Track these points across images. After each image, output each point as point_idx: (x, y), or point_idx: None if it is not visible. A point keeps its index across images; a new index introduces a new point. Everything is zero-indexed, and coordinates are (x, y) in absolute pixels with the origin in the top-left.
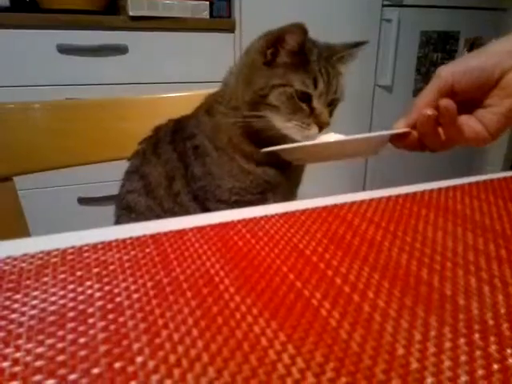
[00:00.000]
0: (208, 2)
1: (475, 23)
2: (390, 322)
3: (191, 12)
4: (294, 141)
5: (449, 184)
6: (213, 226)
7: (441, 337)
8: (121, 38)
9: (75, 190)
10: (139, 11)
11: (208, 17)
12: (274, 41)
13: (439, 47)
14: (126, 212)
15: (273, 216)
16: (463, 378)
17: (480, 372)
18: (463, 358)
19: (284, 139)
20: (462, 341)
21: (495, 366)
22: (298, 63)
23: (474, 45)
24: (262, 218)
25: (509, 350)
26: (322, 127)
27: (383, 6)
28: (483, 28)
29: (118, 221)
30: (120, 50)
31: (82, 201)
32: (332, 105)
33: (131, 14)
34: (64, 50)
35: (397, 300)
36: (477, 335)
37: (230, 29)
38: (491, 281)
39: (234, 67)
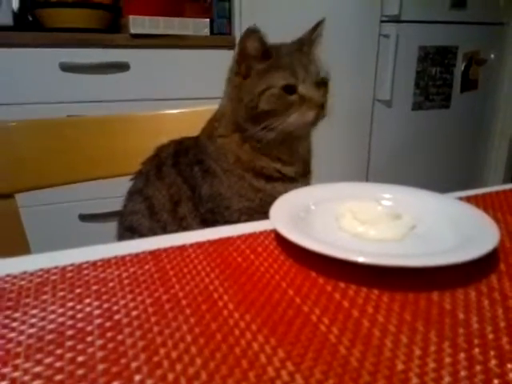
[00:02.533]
0: (208, 20)
1: (473, 38)
2: (389, 337)
3: (192, 29)
4: (304, 134)
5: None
6: (212, 242)
7: (441, 352)
8: (122, 55)
9: (76, 206)
10: (140, 29)
11: (208, 34)
12: (240, 55)
13: (437, 62)
14: (129, 233)
15: (272, 231)
16: None
17: None
18: (463, 373)
19: (297, 136)
20: (461, 356)
21: (496, 382)
22: (271, 65)
23: (472, 59)
24: (261, 233)
25: (509, 365)
26: (318, 107)
27: (381, 21)
28: (481, 42)
29: (120, 240)
30: (122, 67)
31: (84, 217)
32: (322, 85)
33: (132, 31)
34: (67, 67)
35: (396, 315)
36: (477, 350)
37: (231, 45)
38: (490, 294)
39: (225, 89)
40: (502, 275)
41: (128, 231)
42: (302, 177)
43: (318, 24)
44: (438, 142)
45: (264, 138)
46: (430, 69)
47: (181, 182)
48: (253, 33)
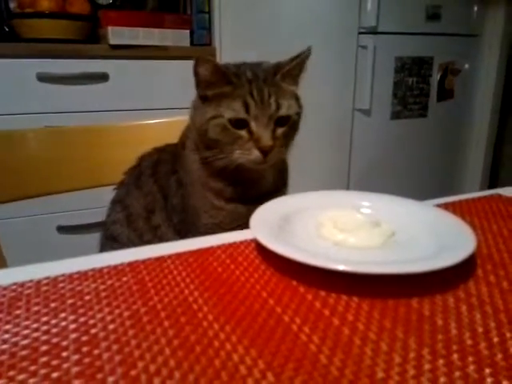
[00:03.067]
0: (188, 31)
1: (448, 49)
2: (369, 344)
3: (172, 40)
4: (250, 170)
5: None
6: (192, 253)
7: (420, 358)
8: (101, 66)
9: (54, 218)
10: (119, 40)
11: (189, 45)
12: (196, 80)
13: (414, 72)
14: (110, 242)
15: (253, 240)
16: None
17: None
18: (442, 379)
19: (246, 170)
20: (440, 362)
21: None
22: (226, 92)
23: (447, 69)
24: (241, 242)
25: (487, 370)
26: (265, 150)
27: (359, 33)
28: (456, 53)
29: (102, 250)
30: (101, 77)
31: (62, 229)
32: (281, 124)
33: (111, 42)
34: (44, 78)
35: (376, 322)
36: (455, 355)
37: (211, 56)
38: (468, 300)
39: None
40: (479, 281)
41: (109, 240)
42: (272, 194)
43: (303, 52)
44: (417, 150)
45: (214, 164)
46: (406, 79)
47: (156, 190)
48: (204, 62)
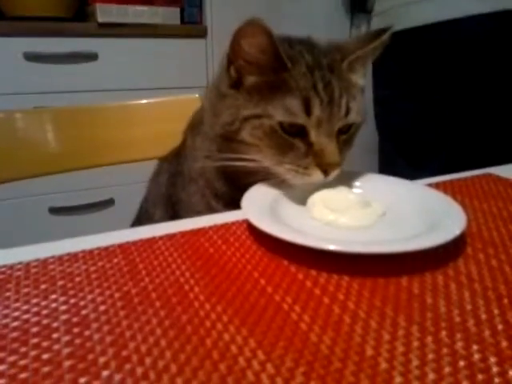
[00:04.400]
0: (179, 9)
1: None
2: (359, 323)
3: (162, 18)
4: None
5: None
6: (183, 233)
7: (409, 336)
8: (90, 44)
9: (46, 199)
10: (108, 18)
11: (179, 23)
12: (232, 54)
13: None
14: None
15: (244, 221)
16: (431, 376)
17: (447, 369)
18: (431, 356)
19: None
20: (429, 339)
21: (461, 363)
22: (277, 81)
23: None
24: (233, 223)
25: (475, 347)
26: (328, 170)
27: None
28: None
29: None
30: (90, 56)
31: (54, 211)
32: (344, 133)
33: (100, 20)
34: (31, 57)
35: (366, 301)
36: (444, 333)
37: (202, 35)
38: (457, 278)
39: (211, 82)
40: (468, 259)
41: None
42: None
43: (382, 33)
44: None
45: (232, 167)
46: None
47: (164, 183)
48: (255, 28)
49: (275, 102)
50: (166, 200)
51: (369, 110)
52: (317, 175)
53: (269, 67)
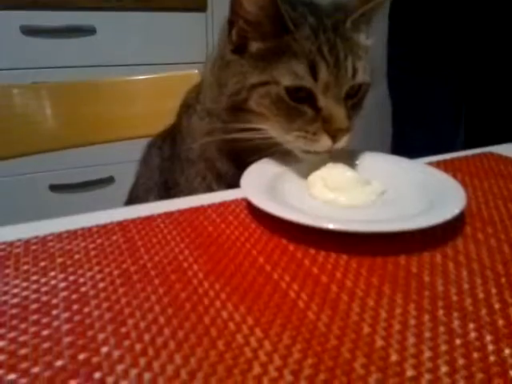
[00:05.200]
0: None
1: None
2: (356, 301)
3: None
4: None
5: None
6: (182, 212)
7: (406, 314)
8: (88, 18)
9: (47, 176)
10: None
11: None
12: (233, 14)
13: None
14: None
15: (243, 199)
16: (427, 354)
17: (443, 347)
18: (427, 334)
19: (286, 148)
20: (426, 317)
21: (458, 342)
22: (282, 45)
23: None
24: (232, 201)
25: (471, 325)
26: (337, 135)
27: None
28: None
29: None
30: (87, 30)
31: (55, 188)
32: (353, 96)
33: None
34: (28, 31)
35: (364, 279)
36: (441, 311)
37: (202, 8)
38: (456, 257)
39: (210, 54)
40: (467, 239)
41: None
42: None
43: None
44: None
45: (239, 140)
46: None
47: (156, 168)
48: None
49: (281, 67)
50: (160, 185)
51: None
52: (325, 141)
53: (271, 30)
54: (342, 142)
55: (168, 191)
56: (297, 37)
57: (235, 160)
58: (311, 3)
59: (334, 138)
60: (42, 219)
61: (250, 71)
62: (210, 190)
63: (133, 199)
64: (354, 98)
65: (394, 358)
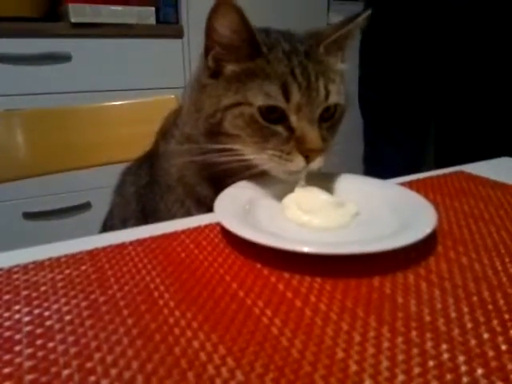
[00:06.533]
0: (154, 8)
1: None
2: (331, 325)
3: (137, 18)
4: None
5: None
6: (155, 238)
7: (380, 336)
8: (63, 45)
9: (20, 204)
10: (81, 18)
11: (154, 23)
12: (208, 40)
13: None
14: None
15: (218, 224)
16: (400, 378)
17: (416, 370)
18: (400, 357)
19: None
20: (399, 339)
21: (431, 363)
22: (255, 67)
23: None
24: (206, 226)
25: (444, 346)
26: (311, 156)
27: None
28: None
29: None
30: (63, 57)
31: (28, 216)
32: (328, 119)
33: (73, 20)
34: (3, 58)
35: (338, 302)
36: (414, 333)
37: (178, 35)
38: (428, 277)
39: (189, 80)
40: (439, 257)
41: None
42: None
43: (358, 16)
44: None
45: (217, 163)
46: None
47: (133, 197)
48: (227, 10)
49: (254, 88)
50: (138, 214)
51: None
52: (299, 161)
53: (245, 52)
54: (317, 163)
55: (146, 219)
56: (270, 59)
57: (215, 184)
58: (286, 32)
59: (308, 158)
60: (15, 248)
61: (224, 93)
62: (188, 215)
63: (107, 230)
64: (329, 121)
65: (367, 383)
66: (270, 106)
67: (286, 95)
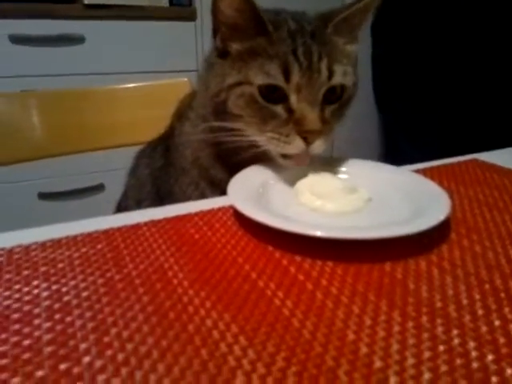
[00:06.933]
0: None
1: None
2: (341, 308)
3: (150, 0)
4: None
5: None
6: (169, 220)
7: (390, 321)
8: (77, 27)
9: (36, 184)
10: None
11: (167, 5)
12: (214, 21)
13: None
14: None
15: (230, 207)
16: (410, 361)
17: (427, 354)
18: (411, 340)
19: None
20: (410, 324)
21: (441, 348)
22: (258, 47)
23: None
24: (219, 209)
25: (455, 331)
26: (309, 137)
27: None
28: None
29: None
30: (76, 39)
31: (43, 196)
32: (333, 101)
33: (86, 2)
34: (17, 40)
35: (349, 286)
36: (425, 318)
37: (191, 17)
38: (440, 263)
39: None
40: (452, 245)
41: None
42: None
43: None
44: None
45: (225, 141)
46: None
47: (148, 179)
48: None
49: (255, 68)
50: (152, 195)
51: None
52: (298, 143)
53: (249, 31)
54: (317, 146)
55: (161, 201)
56: (274, 39)
57: (229, 167)
58: (297, 12)
59: (306, 139)
60: (30, 228)
61: (228, 72)
62: (203, 197)
63: (122, 211)
64: (335, 103)
65: (377, 364)
66: (269, 84)
67: (286, 75)
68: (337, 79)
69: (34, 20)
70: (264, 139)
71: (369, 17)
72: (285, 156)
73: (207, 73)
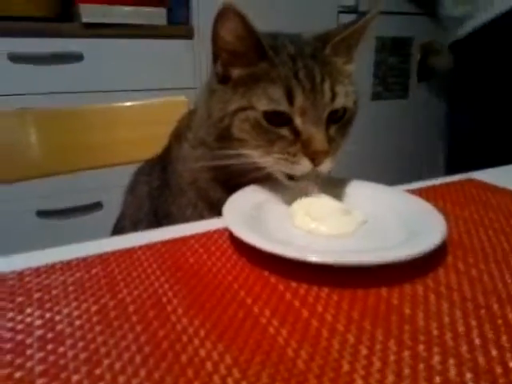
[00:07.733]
0: (165, 9)
1: (427, 28)
2: (337, 337)
3: (148, 19)
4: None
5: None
6: (164, 243)
7: (386, 350)
8: (75, 45)
9: (34, 202)
10: (93, 18)
11: (165, 23)
12: (214, 47)
13: (394, 52)
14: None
15: (226, 229)
16: None
17: None
18: (407, 371)
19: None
20: (406, 353)
21: (437, 379)
22: (259, 72)
23: (427, 49)
24: (215, 231)
25: (451, 361)
26: (317, 158)
27: (339, 12)
28: (435, 33)
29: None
30: (75, 57)
31: (42, 214)
32: (336, 121)
33: (84, 20)
34: (16, 58)
35: (344, 313)
36: (421, 346)
37: (189, 35)
38: (437, 288)
39: (203, 84)
40: (448, 268)
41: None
42: None
43: (367, 18)
44: (396, 131)
45: (229, 166)
46: (387, 59)
47: (145, 198)
48: (229, 16)
49: (258, 93)
50: (150, 216)
51: None
52: (305, 163)
53: (250, 57)
54: (324, 166)
55: (158, 222)
56: (275, 63)
57: (228, 187)
58: (294, 35)
59: (314, 160)
60: (29, 246)
61: (231, 98)
62: (201, 218)
63: (118, 231)
64: (338, 123)
65: None
66: (273, 110)
67: (290, 99)
68: (339, 102)
69: (33, 38)
70: (271, 160)
71: (365, 36)
72: (291, 177)
73: (209, 99)
